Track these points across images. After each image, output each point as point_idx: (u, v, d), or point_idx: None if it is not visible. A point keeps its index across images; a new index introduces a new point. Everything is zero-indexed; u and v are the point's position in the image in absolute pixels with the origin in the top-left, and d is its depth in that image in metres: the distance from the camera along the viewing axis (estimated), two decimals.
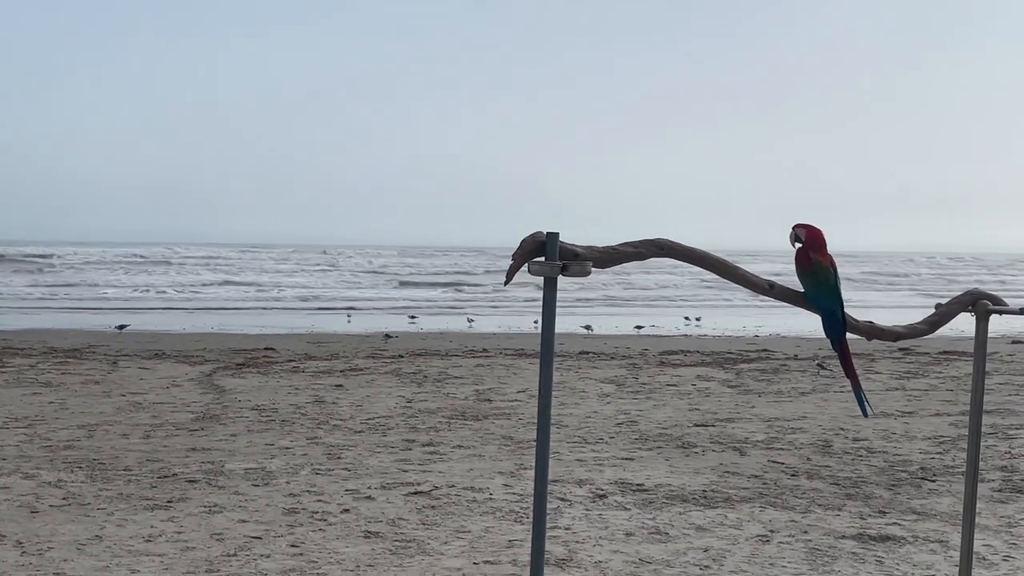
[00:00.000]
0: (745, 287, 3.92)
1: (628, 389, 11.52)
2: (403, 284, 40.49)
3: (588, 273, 3.61)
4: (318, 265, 49.33)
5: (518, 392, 11.11)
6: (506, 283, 3.58)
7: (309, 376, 12.26)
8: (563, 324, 22.34)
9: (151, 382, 11.68)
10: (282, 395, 10.68)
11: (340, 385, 11.45)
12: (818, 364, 13.17)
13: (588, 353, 15.25)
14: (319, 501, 6.25)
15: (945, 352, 15.04)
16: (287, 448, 7.89)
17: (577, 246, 3.67)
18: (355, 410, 9.77)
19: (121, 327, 19.48)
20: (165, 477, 6.86)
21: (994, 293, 4.31)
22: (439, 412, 9.73)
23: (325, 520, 5.82)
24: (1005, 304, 4.30)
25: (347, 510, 6.05)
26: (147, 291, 33.30)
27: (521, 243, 3.59)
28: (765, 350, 15.90)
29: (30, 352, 14.52)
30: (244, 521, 5.78)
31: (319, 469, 7.15)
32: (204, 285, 35.76)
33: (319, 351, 15.35)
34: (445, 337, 18.49)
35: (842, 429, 8.99)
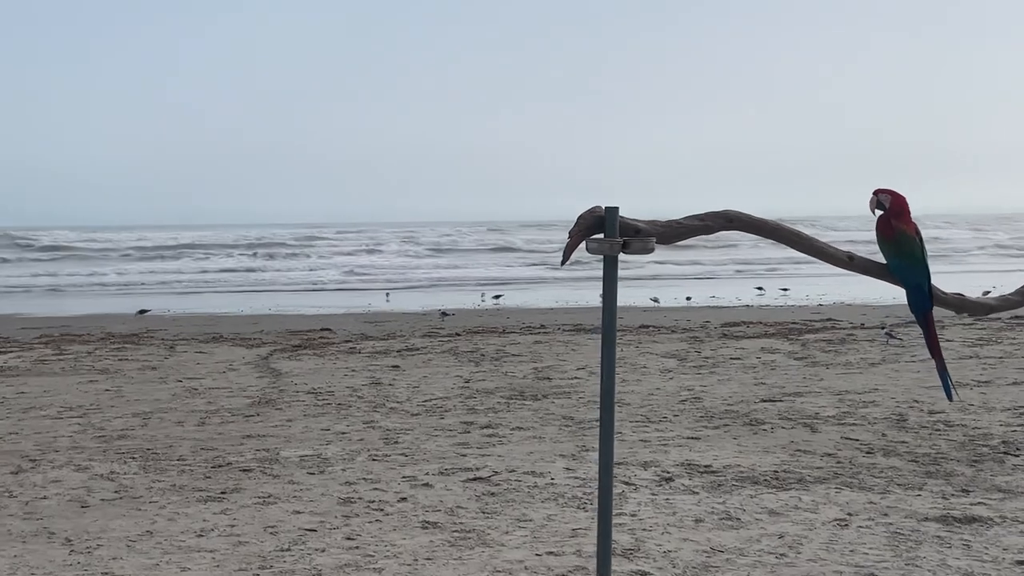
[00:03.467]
0: (822, 260, 3.63)
1: (691, 364, 11.23)
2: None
3: (651, 250, 3.35)
4: (377, 244, 48.77)
5: (578, 369, 10.86)
6: (563, 263, 3.33)
7: (365, 357, 12.10)
8: (627, 296, 22.10)
9: (207, 367, 11.59)
10: (338, 377, 10.53)
11: (396, 366, 11.28)
12: (887, 333, 12.76)
13: (648, 327, 14.96)
14: (375, 489, 6.05)
15: (1017, 316, 14.55)
16: (343, 433, 7.71)
17: (639, 221, 3.41)
18: (412, 392, 9.59)
19: (142, 311, 19.52)
20: (219, 467, 6.71)
21: None
22: (497, 392, 9.51)
23: (382, 510, 5.62)
24: None
25: (404, 499, 5.85)
26: (204, 273, 33.38)
27: (578, 219, 3.34)
28: (830, 319, 15.49)
29: (88, 338, 14.53)
30: (299, 512, 5.60)
31: (376, 455, 6.97)
32: (251, 270, 35.69)
33: (375, 331, 15.21)
34: (502, 314, 18.27)
35: (916, 402, 8.63)
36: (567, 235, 3.29)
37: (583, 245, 3.33)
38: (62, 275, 32.60)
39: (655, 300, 20.21)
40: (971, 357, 11.12)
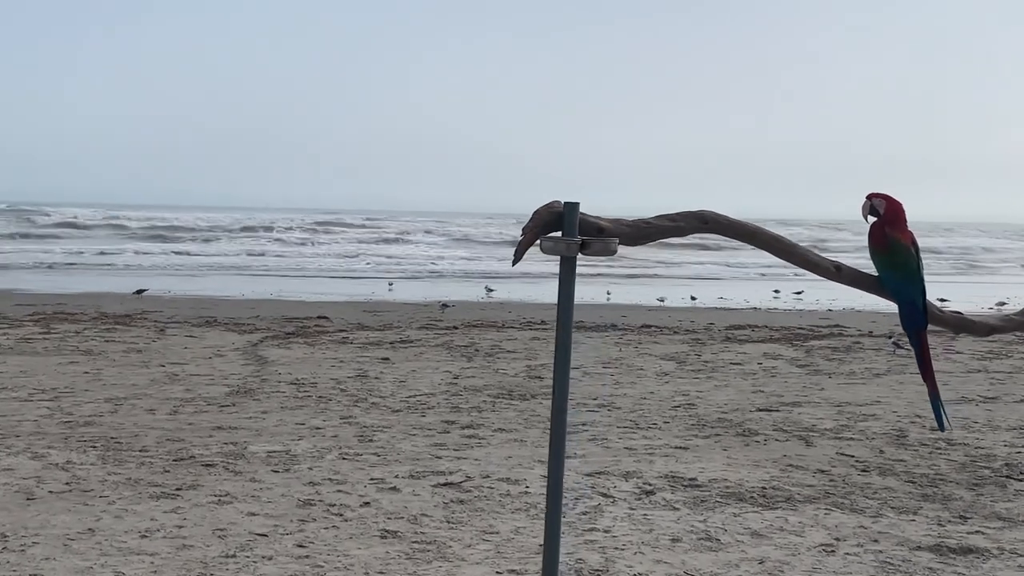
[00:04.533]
0: (806, 269, 3.29)
1: (689, 367, 10.89)
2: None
3: (613, 251, 3.01)
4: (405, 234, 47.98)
5: (572, 369, 10.49)
6: (515, 262, 3.00)
7: (357, 348, 11.79)
8: (633, 294, 21.75)
9: (194, 351, 11.30)
10: (325, 368, 10.23)
11: (387, 358, 10.96)
12: (893, 342, 12.39)
13: (651, 327, 14.61)
14: (339, 491, 5.74)
15: None
16: (318, 428, 7.41)
17: (602, 219, 3.07)
18: (397, 386, 9.27)
19: (140, 291, 19.24)
20: (181, 460, 6.40)
21: None
22: (485, 390, 9.19)
23: (341, 515, 5.31)
24: None
25: (367, 503, 5.53)
26: (224, 257, 33.09)
27: (534, 215, 3.00)
28: (838, 325, 15.12)
29: (80, 317, 14.26)
30: (254, 514, 5.29)
31: (347, 453, 6.65)
32: (257, 254, 35.34)
33: (373, 320, 14.91)
34: (504, 307, 17.94)
35: (919, 416, 8.28)
36: (521, 232, 2.96)
37: (538, 244, 3.00)
38: (66, 253, 32.38)
39: (661, 300, 19.86)
40: (979, 371, 10.75)
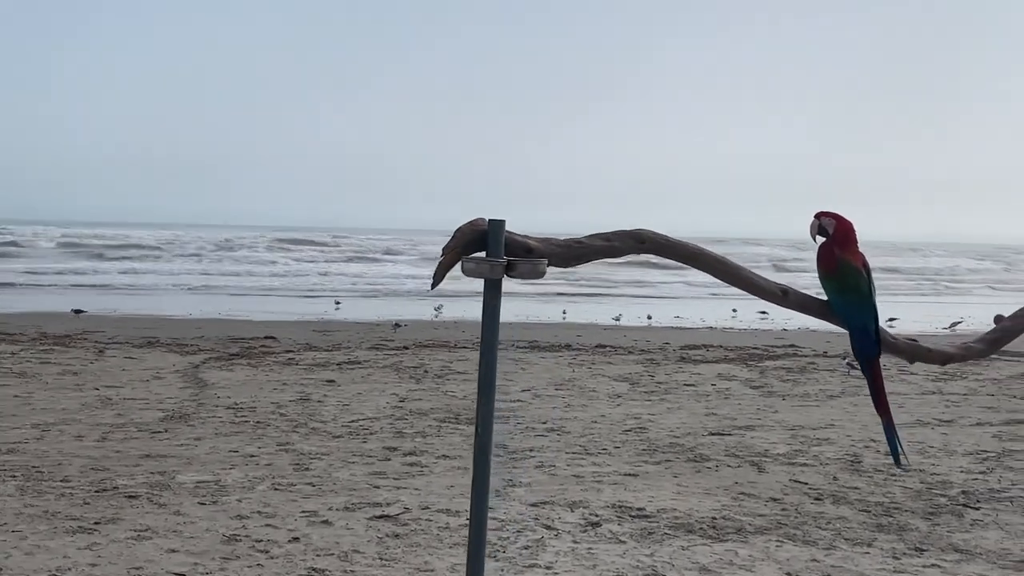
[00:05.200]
0: (751, 293, 3.06)
1: (642, 388, 10.66)
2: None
3: (541, 273, 2.76)
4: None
5: (522, 391, 10.27)
6: (433, 285, 2.74)
7: (302, 369, 11.47)
8: (590, 313, 21.54)
9: (133, 373, 10.94)
10: (266, 391, 9.90)
11: (332, 380, 10.66)
12: (848, 363, 12.23)
13: (605, 347, 14.39)
14: (267, 526, 5.44)
15: None
16: (252, 456, 7.09)
17: (530, 238, 2.83)
18: (340, 410, 8.97)
19: (78, 311, 18.75)
20: (103, 491, 6.07)
21: None
22: (432, 413, 8.91)
23: (267, 552, 5.00)
24: None
25: (296, 538, 5.23)
26: (184, 275, 32.54)
27: (456, 232, 2.75)
28: (793, 345, 14.97)
29: (18, 338, 13.82)
30: (173, 551, 4.97)
31: (280, 483, 6.35)
32: (205, 272, 34.82)
33: (322, 340, 14.58)
34: (458, 327, 17.65)
35: (873, 440, 8.09)
36: (441, 252, 2.70)
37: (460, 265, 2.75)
38: (10, 272, 31.68)
39: (617, 319, 19.67)
40: (934, 393, 10.61)
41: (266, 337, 14.76)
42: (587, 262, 2.88)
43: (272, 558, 4.91)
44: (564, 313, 20.97)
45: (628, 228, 2.93)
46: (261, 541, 5.16)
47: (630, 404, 9.70)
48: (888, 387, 11.08)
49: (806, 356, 13.71)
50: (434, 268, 2.71)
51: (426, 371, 11.53)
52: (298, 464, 6.88)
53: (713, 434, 8.29)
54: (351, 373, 11.26)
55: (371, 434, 7.96)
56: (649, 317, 20.27)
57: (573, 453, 7.46)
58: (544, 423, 8.57)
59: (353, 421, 8.46)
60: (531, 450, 7.51)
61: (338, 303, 22.37)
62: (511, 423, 8.56)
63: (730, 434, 8.32)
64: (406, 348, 13.67)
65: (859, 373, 11.42)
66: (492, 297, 2.73)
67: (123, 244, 43.39)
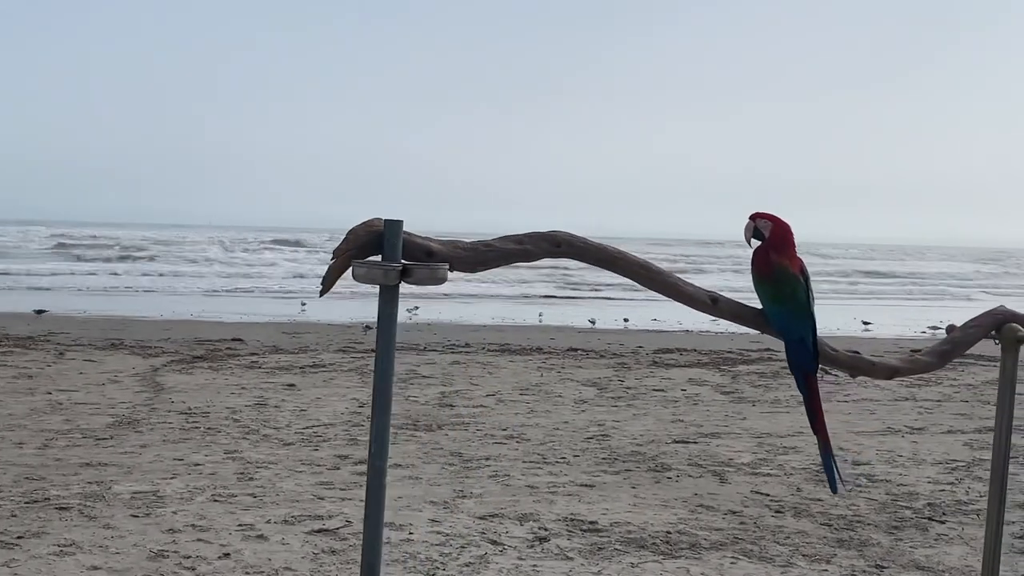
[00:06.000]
0: (679, 301, 2.83)
1: (609, 394, 10.44)
2: None
3: (442, 279, 2.53)
4: None
5: (486, 396, 10.04)
6: (323, 292, 2.50)
7: (264, 373, 11.21)
8: (565, 315, 21.31)
9: (90, 377, 10.66)
10: (223, 396, 9.64)
11: (292, 385, 10.40)
12: (821, 368, 12.01)
13: (578, 350, 14.17)
14: (200, 540, 5.19)
15: (962, 355, 13.89)
16: (196, 465, 6.84)
17: (432, 240, 2.59)
18: (296, 416, 8.72)
19: (39, 312, 18.38)
20: (34, 502, 5.81)
21: None
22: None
23: (193, 569, 4.76)
24: None
25: (227, 554, 4.99)
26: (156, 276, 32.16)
27: (348, 234, 2.51)
28: (768, 349, 14.75)
29: None
30: (95, 568, 4.72)
31: (220, 494, 6.10)
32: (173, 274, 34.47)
33: (290, 343, 14.32)
34: (430, 329, 17.40)
35: (841, 449, 7.88)
36: (332, 254, 2.46)
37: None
38: None
39: (592, 322, 19.45)
40: (907, 399, 10.41)
41: (233, 339, 14.49)
42: (496, 267, 2.64)
43: None
44: (540, 316, 20.75)
45: (543, 230, 2.69)
46: (189, 558, 4.92)
47: (595, 410, 9.47)
48: (861, 392, 10.86)
49: (780, 361, 13.48)
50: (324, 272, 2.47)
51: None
52: (243, 474, 6.63)
53: (677, 442, 8.08)
54: (313, 377, 11.01)
55: (324, 441, 7.71)
56: (626, 320, 20.03)
57: (530, 462, 7.24)
58: (504, 430, 8.34)
59: (307, 428, 8.21)
60: (487, 458, 7.27)
61: (304, 304, 21.82)
62: (470, 430, 8.32)
63: (695, 442, 8.10)
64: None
65: (834, 378, 11.26)
66: (387, 304, 2.49)
67: (104, 244, 43.02)
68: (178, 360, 12.08)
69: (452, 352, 13.63)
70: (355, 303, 24.24)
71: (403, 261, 2.47)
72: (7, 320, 16.69)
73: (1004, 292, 36.44)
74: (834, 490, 3.07)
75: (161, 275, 32.44)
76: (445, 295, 25.01)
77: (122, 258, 38.74)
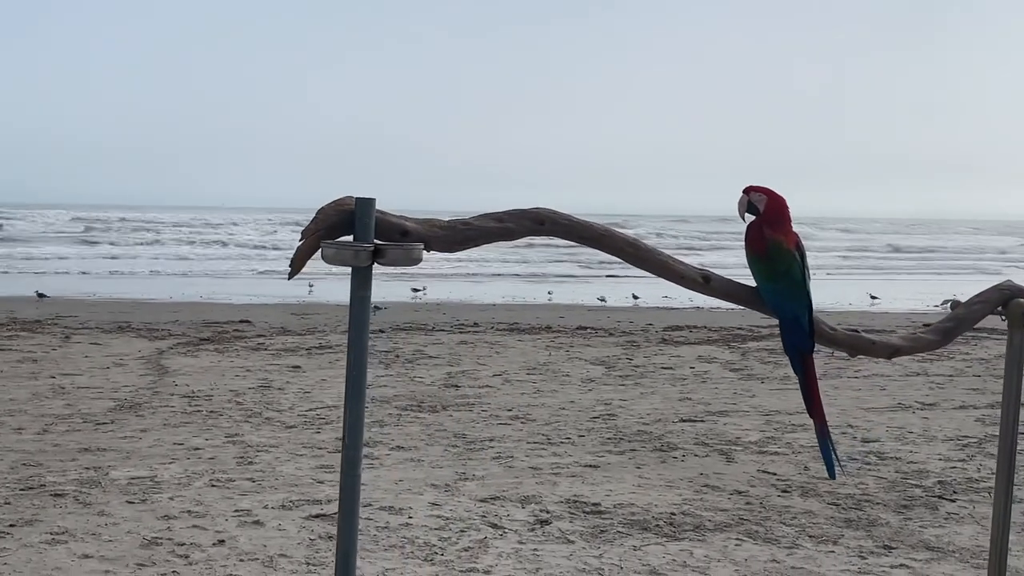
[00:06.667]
0: (669, 280, 2.72)
1: (618, 372, 10.33)
2: None
3: (416, 260, 2.41)
4: None
5: (493, 376, 9.95)
6: (291, 275, 2.39)
7: (270, 355, 11.14)
8: (577, 293, 21.19)
9: (95, 360, 10.60)
10: (228, 378, 9.57)
11: (297, 366, 10.32)
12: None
13: (587, 328, 14.06)
14: (195, 527, 5.11)
15: (974, 328, 13.72)
16: (196, 449, 6.76)
17: (408, 219, 2.48)
18: (300, 398, 8.64)
19: (40, 295, 18.23)
20: (29, 489, 5.74)
21: None
22: (395, 400, 8.58)
23: (187, 556, 4.68)
24: None
25: (222, 541, 4.91)
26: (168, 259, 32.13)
27: (318, 213, 2.40)
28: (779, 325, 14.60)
29: None
30: (87, 557, 4.65)
31: (219, 479, 6.02)
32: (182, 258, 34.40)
33: (298, 324, 14.24)
34: (440, 309, 17.31)
35: (850, 427, 7.77)
36: (300, 235, 2.36)
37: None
38: None
39: (602, 299, 19.33)
40: (919, 374, 10.27)
41: (241, 321, 14.42)
42: (476, 246, 2.53)
43: (190, 564, 4.58)
44: (550, 293, 20.65)
45: (525, 208, 2.58)
46: (183, 545, 4.84)
47: (602, 389, 9.37)
48: (872, 368, 10.70)
49: None
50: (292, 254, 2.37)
51: (397, 355, 11.19)
52: (243, 457, 6.56)
53: (684, 420, 7.97)
54: (319, 358, 10.93)
55: (327, 424, 7.63)
56: (635, 297, 19.86)
57: (534, 443, 7.14)
58: (509, 410, 8.24)
59: (310, 410, 8.13)
60: (491, 440, 7.18)
61: (311, 286, 21.46)
62: (475, 410, 8.23)
63: (702, 420, 7.99)
64: (382, 331, 13.33)
65: (844, 354, 11.09)
66: (359, 287, 2.39)
67: (114, 228, 43.01)
68: (184, 343, 12.02)
69: (460, 332, 13.54)
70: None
71: (376, 241, 2.36)
72: (16, 304, 16.66)
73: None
74: (832, 475, 2.96)
75: (171, 258, 32.43)
76: (453, 274, 24.91)
77: (133, 241, 38.71)
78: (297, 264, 2.36)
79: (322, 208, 2.38)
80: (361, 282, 2.39)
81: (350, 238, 2.38)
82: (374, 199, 2.39)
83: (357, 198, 2.37)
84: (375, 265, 2.42)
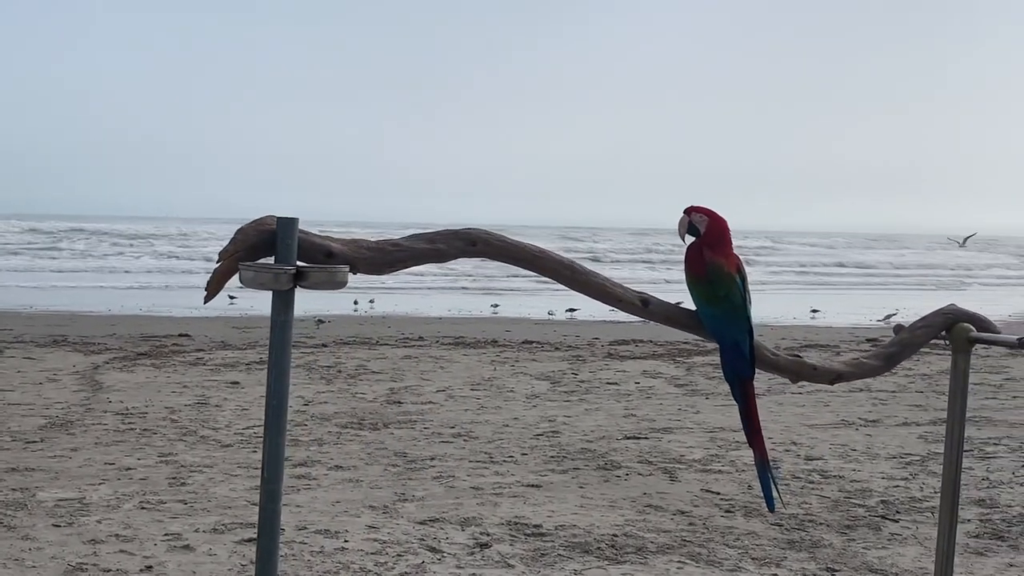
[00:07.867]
0: (606, 303, 2.62)
1: (563, 388, 10.25)
2: None
3: (341, 283, 2.30)
4: None
5: (436, 392, 9.82)
6: (207, 299, 2.27)
7: (208, 370, 10.93)
8: (523, 306, 21.09)
9: (28, 376, 10.33)
10: (164, 395, 9.35)
11: (237, 383, 10.13)
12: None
13: (533, 343, 13.96)
14: (122, 552, 4.94)
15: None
16: (127, 470, 6.57)
17: (333, 240, 2.36)
18: (238, 415, 8.46)
19: None
20: None
21: (976, 312, 3.03)
22: (335, 418, 8.42)
23: None
24: (994, 327, 3.03)
25: (150, 567, 4.74)
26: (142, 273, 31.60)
27: (237, 233, 2.29)
28: None
29: None
30: None
31: (149, 501, 5.84)
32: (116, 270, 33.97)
33: (239, 338, 14.02)
34: (384, 322, 17.15)
35: (794, 444, 7.74)
36: (217, 257, 2.24)
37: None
38: None
39: (550, 313, 19.25)
40: (862, 390, 10.29)
41: (180, 335, 14.18)
42: (406, 268, 2.43)
43: None
44: (495, 307, 20.56)
45: (457, 228, 2.48)
46: (109, 571, 4.67)
47: (547, 405, 9.28)
48: (816, 384, 10.76)
49: None
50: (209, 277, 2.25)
51: (340, 371, 11.04)
52: (175, 478, 6.38)
53: (628, 438, 7.90)
54: (259, 374, 10.73)
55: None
56: (571, 310, 19.59)
57: (477, 461, 7.03)
58: (452, 428, 8.12)
59: (248, 428, 7.95)
60: (432, 459, 7.06)
61: (233, 298, 19.98)
62: (417, 428, 8.10)
63: (646, 437, 7.93)
64: (324, 346, 13.15)
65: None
66: (280, 312, 2.27)
67: (56, 239, 42.29)
68: (120, 357, 11.76)
69: (405, 346, 13.40)
70: (308, 295, 23.88)
71: (299, 263, 2.25)
72: None
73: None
74: (771, 508, 2.87)
75: (114, 270, 31.93)
76: (399, 288, 24.73)
77: (81, 253, 38.08)
78: (213, 288, 2.24)
79: (242, 228, 2.27)
80: (282, 306, 2.27)
81: (271, 260, 2.27)
82: (296, 219, 2.28)
83: (279, 218, 2.26)
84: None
